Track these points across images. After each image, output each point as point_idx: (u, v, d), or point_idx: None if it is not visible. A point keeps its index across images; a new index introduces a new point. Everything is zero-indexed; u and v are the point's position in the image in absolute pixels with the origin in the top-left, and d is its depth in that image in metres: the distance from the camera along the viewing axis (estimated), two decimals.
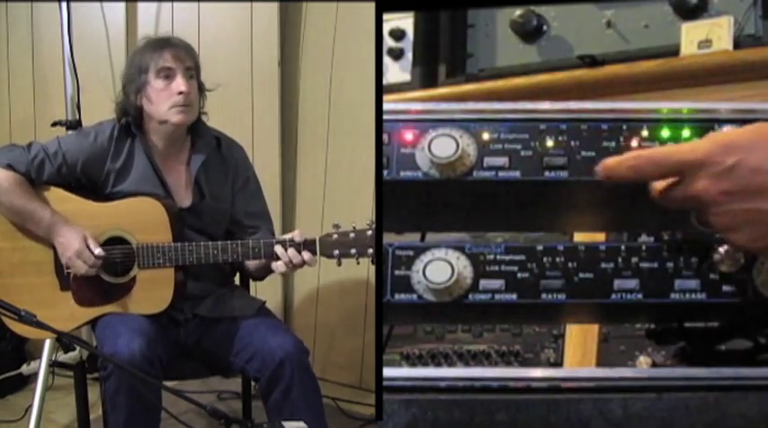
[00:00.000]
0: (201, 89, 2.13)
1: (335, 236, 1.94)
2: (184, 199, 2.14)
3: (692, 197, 0.94)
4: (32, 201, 2.04)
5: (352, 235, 1.94)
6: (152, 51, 2.04)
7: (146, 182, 2.09)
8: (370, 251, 1.94)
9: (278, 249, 1.95)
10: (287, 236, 1.97)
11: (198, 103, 2.10)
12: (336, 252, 1.94)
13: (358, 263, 1.98)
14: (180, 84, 2.02)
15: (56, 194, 2.07)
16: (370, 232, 1.93)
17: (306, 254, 1.94)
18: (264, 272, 2.12)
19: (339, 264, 1.96)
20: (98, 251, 1.99)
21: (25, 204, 2.04)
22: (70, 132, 2.48)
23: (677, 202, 0.97)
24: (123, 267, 2.04)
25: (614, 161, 1.00)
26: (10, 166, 2.03)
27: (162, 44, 2.05)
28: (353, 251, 1.94)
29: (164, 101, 2.04)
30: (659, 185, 0.98)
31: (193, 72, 2.07)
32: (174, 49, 2.04)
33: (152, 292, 2.03)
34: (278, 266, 1.97)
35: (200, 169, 2.13)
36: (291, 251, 1.94)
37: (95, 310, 2.05)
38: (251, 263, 2.13)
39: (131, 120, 2.10)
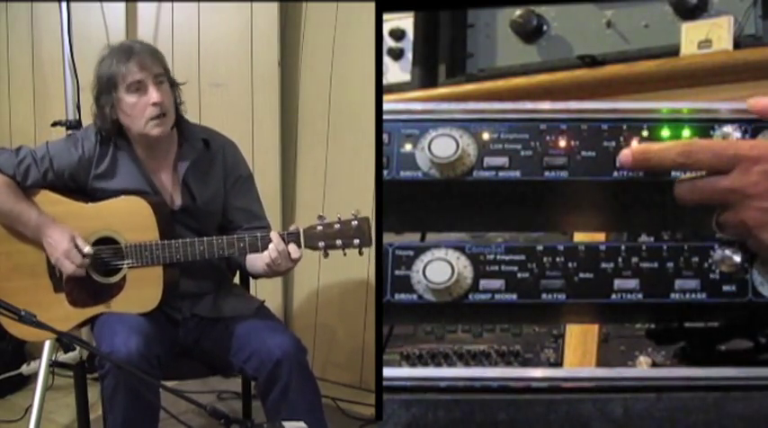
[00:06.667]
0: (174, 86, 2.09)
1: (320, 227, 1.92)
2: (175, 200, 2.13)
3: (738, 189, 0.97)
4: (20, 203, 2.05)
5: (337, 226, 1.91)
6: (118, 63, 2.00)
7: (133, 183, 2.09)
8: (357, 241, 1.90)
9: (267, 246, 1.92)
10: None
11: (173, 107, 2.07)
12: (321, 243, 1.91)
13: (345, 254, 1.94)
14: (152, 95, 1.99)
15: (45, 197, 2.08)
16: (355, 222, 1.90)
17: (290, 246, 1.91)
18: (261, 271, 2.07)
19: (326, 256, 1.93)
20: (87, 249, 1.99)
21: (13, 206, 2.05)
22: (71, 132, 2.47)
23: (713, 194, 0.99)
24: (113, 267, 2.05)
25: (659, 146, 1.02)
26: None
27: (127, 54, 2.00)
28: (339, 242, 1.91)
29: (139, 115, 2.01)
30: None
31: (163, 77, 2.04)
32: (139, 58, 2.00)
33: (142, 291, 2.03)
34: (265, 261, 1.93)
35: (188, 172, 2.11)
36: (273, 246, 1.91)
37: (89, 311, 2.06)
38: (253, 266, 2.11)
39: (110, 131, 2.07)
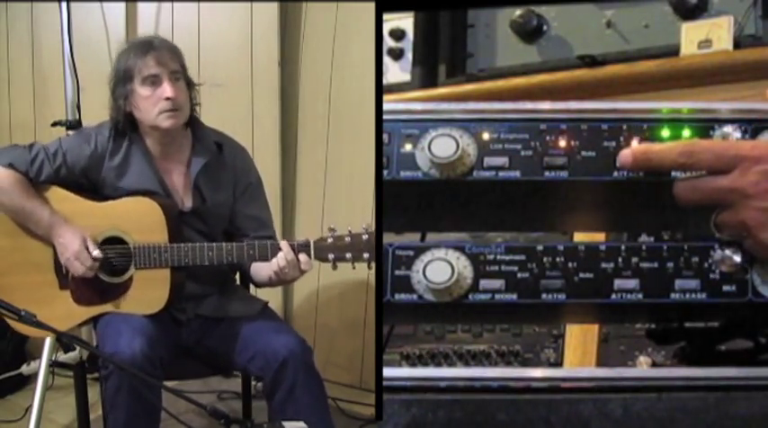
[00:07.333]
0: (191, 86, 2.11)
1: (330, 239, 1.94)
2: (185, 201, 2.13)
3: (738, 189, 0.97)
4: (32, 200, 2.04)
5: (347, 239, 1.93)
6: (135, 57, 2.02)
7: (144, 181, 2.09)
8: (366, 255, 1.93)
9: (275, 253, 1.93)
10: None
11: (188, 105, 2.08)
12: (331, 255, 1.94)
13: (354, 268, 1.97)
14: (166, 89, 2.00)
15: (55, 194, 2.08)
16: (366, 236, 1.92)
17: (302, 256, 1.93)
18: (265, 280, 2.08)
19: (335, 268, 1.95)
20: (96, 253, 1.99)
21: (25, 203, 2.04)
22: (71, 132, 2.48)
23: (713, 194, 0.99)
24: (121, 267, 2.04)
25: (660, 147, 1.02)
26: (11, 166, 2.04)
27: (145, 49, 2.02)
28: (349, 255, 1.93)
29: (151, 107, 2.02)
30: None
31: (180, 74, 2.05)
32: (157, 53, 2.01)
33: (148, 292, 2.03)
34: (273, 269, 1.95)
35: (200, 173, 2.12)
36: (282, 254, 1.93)
37: (93, 309, 2.06)
38: (257, 274, 2.11)
39: (124, 124, 2.08)
